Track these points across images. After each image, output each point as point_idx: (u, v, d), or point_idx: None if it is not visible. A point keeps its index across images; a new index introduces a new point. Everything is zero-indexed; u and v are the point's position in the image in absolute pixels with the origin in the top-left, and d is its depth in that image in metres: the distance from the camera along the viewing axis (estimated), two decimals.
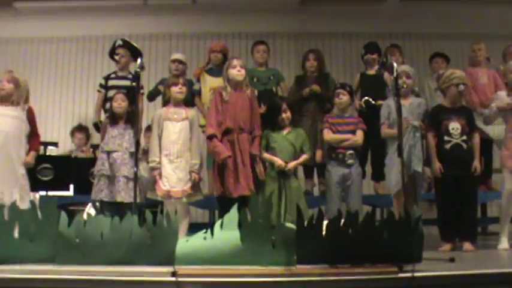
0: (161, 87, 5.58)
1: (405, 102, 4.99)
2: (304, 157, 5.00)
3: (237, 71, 4.98)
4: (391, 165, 4.98)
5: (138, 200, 4.25)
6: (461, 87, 4.81)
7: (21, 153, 4.83)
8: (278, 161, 4.90)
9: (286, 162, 4.88)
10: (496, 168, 5.95)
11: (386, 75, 5.49)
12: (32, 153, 4.94)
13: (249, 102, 4.98)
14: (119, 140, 5.00)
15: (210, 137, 4.89)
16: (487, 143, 5.79)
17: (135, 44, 6.06)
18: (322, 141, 5.24)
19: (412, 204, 4.37)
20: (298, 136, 5.03)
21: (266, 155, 4.97)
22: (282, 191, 4.83)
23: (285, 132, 5.02)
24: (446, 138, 4.77)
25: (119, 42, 5.98)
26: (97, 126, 5.91)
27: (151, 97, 6.15)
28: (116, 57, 5.91)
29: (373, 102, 5.72)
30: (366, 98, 5.76)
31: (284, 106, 5.07)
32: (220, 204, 4.95)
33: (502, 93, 5.08)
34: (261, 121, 5.04)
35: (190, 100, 5.61)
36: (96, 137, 6.48)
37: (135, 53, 5.85)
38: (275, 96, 5.76)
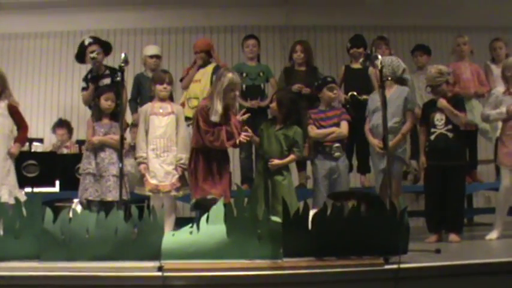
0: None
1: (386, 92, 4.98)
2: (290, 157, 4.88)
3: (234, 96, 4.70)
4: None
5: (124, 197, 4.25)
6: (428, 89, 4.94)
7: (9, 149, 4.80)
8: (256, 139, 4.92)
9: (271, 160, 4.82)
10: (481, 159, 5.99)
11: (370, 70, 5.48)
12: (17, 145, 4.91)
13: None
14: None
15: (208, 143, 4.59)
16: (472, 134, 5.81)
17: (103, 39, 5.92)
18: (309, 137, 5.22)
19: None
20: (289, 135, 4.87)
21: (254, 137, 4.93)
22: (269, 187, 4.79)
23: (277, 127, 4.95)
24: (432, 129, 4.82)
25: (89, 40, 5.75)
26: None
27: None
28: (93, 55, 5.62)
29: (359, 97, 5.67)
30: (351, 93, 5.74)
31: (273, 97, 5.05)
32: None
33: (498, 90, 5.07)
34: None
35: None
36: (81, 132, 6.44)
37: (107, 48, 5.77)
38: (262, 92, 5.77)
